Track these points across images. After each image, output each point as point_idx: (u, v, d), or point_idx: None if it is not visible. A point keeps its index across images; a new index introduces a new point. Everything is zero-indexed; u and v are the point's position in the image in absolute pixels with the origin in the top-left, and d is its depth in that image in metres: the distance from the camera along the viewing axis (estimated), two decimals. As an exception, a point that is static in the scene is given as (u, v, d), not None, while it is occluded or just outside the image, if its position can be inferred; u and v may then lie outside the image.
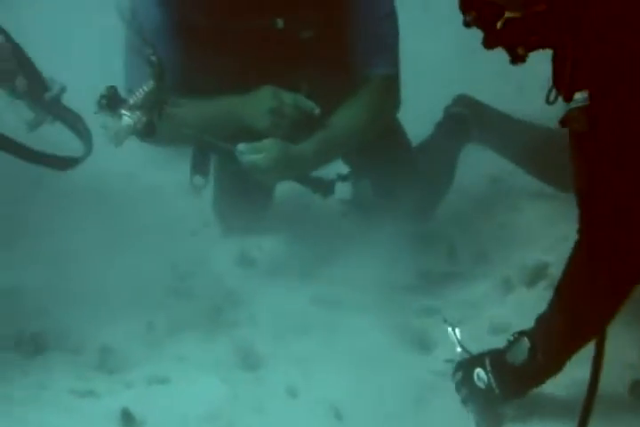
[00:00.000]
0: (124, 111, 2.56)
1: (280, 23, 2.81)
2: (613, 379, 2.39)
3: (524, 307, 2.77)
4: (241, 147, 2.81)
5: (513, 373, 2.39)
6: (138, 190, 3.49)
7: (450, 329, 2.57)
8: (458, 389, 2.49)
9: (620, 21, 1.99)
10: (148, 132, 2.61)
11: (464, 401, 2.48)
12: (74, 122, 2.88)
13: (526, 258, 3.03)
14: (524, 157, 3.37)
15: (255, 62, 2.88)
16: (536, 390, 2.41)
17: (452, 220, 3.36)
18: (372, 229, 3.12)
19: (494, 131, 3.47)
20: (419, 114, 3.37)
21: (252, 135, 2.87)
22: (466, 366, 2.48)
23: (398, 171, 3.18)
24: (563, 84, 2.07)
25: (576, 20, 2.00)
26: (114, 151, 3.46)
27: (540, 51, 2.11)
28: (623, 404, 2.44)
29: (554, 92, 2.14)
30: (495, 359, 2.43)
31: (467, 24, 2.07)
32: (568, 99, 2.07)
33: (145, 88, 2.58)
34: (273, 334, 2.83)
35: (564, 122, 2.08)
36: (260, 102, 2.87)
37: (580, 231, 2.20)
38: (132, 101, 2.57)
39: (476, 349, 2.52)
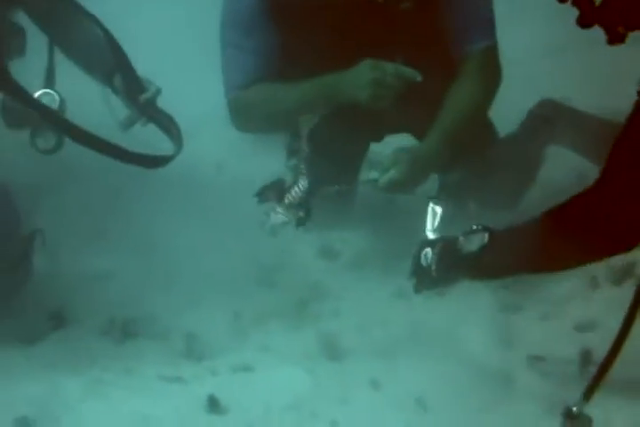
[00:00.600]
0: (279, 209, 2.64)
1: None
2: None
3: (611, 305, 2.75)
4: (372, 176, 2.85)
5: (454, 258, 2.46)
6: (226, 181, 3.55)
7: (431, 205, 2.65)
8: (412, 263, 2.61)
9: None
10: (300, 224, 2.69)
11: (410, 275, 2.62)
12: (167, 124, 2.94)
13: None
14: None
15: (353, 36, 2.88)
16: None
17: (536, 214, 3.33)
18: (456, 221, 3.11)
19: (580, 133, 3.45)
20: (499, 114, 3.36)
21: (354, 111, 2.85)
22: (422, 243, 2.59)
23: (486, 160, 3.17)
24: None
25: None
26: (203, 142, 3.60)
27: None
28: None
29: None
30: (446, 244, 2.51)
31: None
32: None
33: (300, 187, 2.64)
34: (357, 325, 2.85)
35: None
36: (361, 74, 2.84)
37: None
38: (287, 201, 2.64)
39: (562, 346, 2.50)
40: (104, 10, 3.17)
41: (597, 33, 2.09)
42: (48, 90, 2.88)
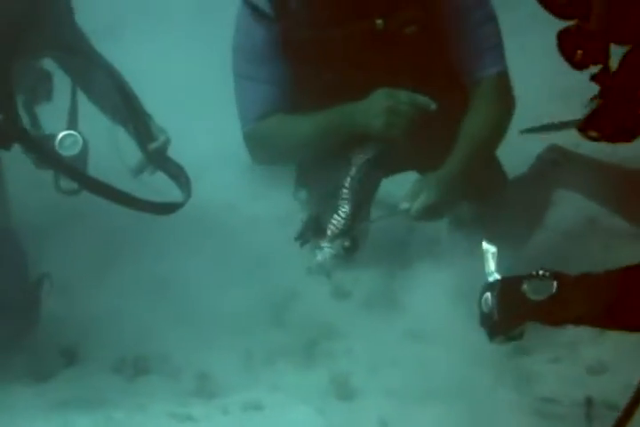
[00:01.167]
0: (324, 244, 2.65)
1: (380, 24, 2.86)
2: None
3: (621, 348, 2.75)
4: (403, 206, 2.88)
5: (518, 303, 2.32)
6: (238, 221, 3.57)
7: (485, 245, 2.51)
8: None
9: None
10: (349, 254, 2.70)
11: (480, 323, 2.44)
12: (176, 173, 2.99)
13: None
14: (618, 201, 3.37)
15: (361, 66, 2.94)
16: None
17: (545, 258, 3.34)
18: (466, 259, 3.12)
19: (587, 177, 3.48)
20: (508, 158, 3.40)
21: (367, 141, 2.90)
22: (482, 288, 2.44)
23: (493, 196, 3.20)
24: None
25: None
26: (215, 183, 3.64)
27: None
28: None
29: None
30: (508, 285, 2.37)
31: (577, 66, 2.08)
32: None
33: (341, 215, 2.66)
34: (367, 365, 2.85)
35: None
36: (375, 103, 2.89)
37: None
38: (330, 233, 2.66)
39: (575, 389, 2.50)
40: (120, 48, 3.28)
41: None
42: (71, 131, 2.95)
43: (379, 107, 2.87)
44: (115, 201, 2.78)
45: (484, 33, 3.00)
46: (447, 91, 2.97)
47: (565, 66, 2.16)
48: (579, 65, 2.15)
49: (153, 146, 2.99)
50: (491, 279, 2.43)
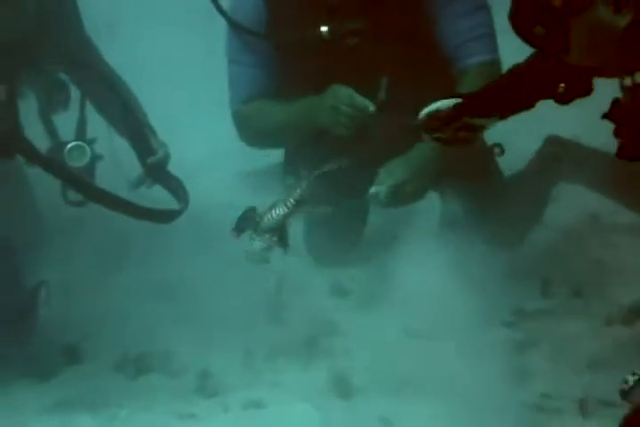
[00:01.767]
0: (254, 235, 2.68)
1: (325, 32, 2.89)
2: None
3: (623, 345, 2.77)
4: (372, 191, 2.90)
5: None
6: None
7: None
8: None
9: None
10: (282, 246, 2.72)
11: None
12: (174, 186, 3.02)
13: (623, 296, 3.02)
14: (620, 192, 3.36)
15: (341, 59, 2.95)
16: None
17: (546, 255, 3.36)
18: (464, 260, 3.14)
19: (588, 168, 3.47)
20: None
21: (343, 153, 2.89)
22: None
23: (487, 193, 3.20)
24: None
25: None
26: (212, 183, 3.65)
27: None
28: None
29: None
30: None
31: (561, 100, 2.13)
32: None
33: (274, 214, 2.68)
34: (367, 363, 2.87)
35: None
36: (323, 100, 2.94)
37: None
38: (260, 227, 2.68)
39: (573, 385, 2.51)
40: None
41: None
42: (79, 142, 2.98)
43: (325, 104, 2.91)
44: (120, 212, 2.82)
45: (472, 22, 2.98)
46: (434, 81, 2.96)
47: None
48: (562, 99, 2.16)
49: (152, 160, 3.02)
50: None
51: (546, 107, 3.33)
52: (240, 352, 2.94)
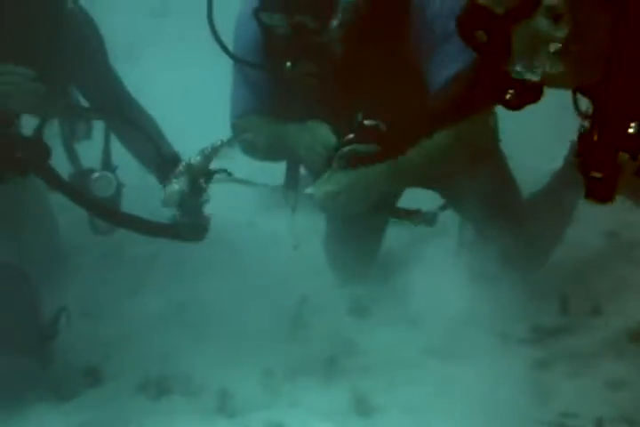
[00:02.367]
0: (173, 179, 2.76)
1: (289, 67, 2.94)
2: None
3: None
4: (308, 191, 2.98)
5: None
6: (257, 239, 3.62)
7: None
8: None
9: None
10: (195, 195, 2.80)
11: None
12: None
13: (643, 313, 3.02)
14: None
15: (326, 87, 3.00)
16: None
17: (564, 272, 3.35)
18: (481, 277, 3.13)
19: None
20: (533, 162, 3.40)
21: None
22: None
23: (497, 206, 3.18)
24: None
25: None
26: (232, 201, 3.68)
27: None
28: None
29: None
30: None
31: (511, 106, 2.10)
32: None
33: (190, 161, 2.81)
34: (387, 382, 2.87)
35: None
36: (301, 137, 3.02)
37: None
38: (177, 171, 2.80)
39: (594, 404, 2.50)
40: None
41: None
42: (105, 172, 3.03)
43: (302, 141, 3.01)
44: (148, 234, 2.86)
45: (447, 50, 2.98)
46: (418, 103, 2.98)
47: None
48: (511, 105, 2.16)
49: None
50: None
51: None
52: (260, 372, 2.95)
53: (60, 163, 3.00)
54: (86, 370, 2.97)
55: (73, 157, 3.07)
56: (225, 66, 3.27)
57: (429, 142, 2.93)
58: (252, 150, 3.23)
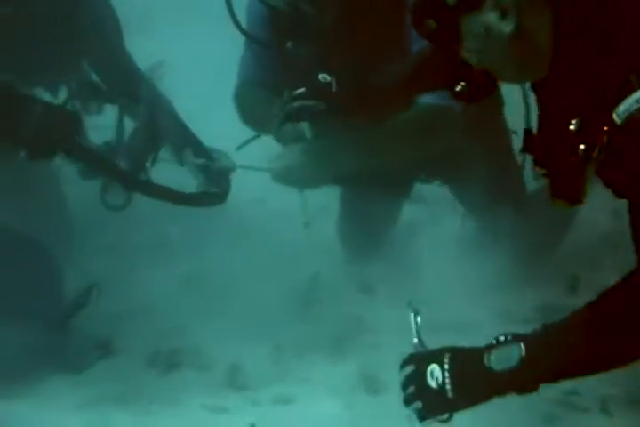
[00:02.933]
0: None
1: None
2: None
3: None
4: (269, 164, 2.99)
5: (481, 375, 2.08)
6: (267, 216, 3.63)
7: (412, 315, 2.30)
8: (404, 385, 2.18)
9: None
10: None
11: (407, 401, 2.17)
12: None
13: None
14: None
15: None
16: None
17: (573, 253, 3.37)
18: (490, 256, 3.15)
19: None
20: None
21: None
22: (420, 359, 2.20)
23: (498, 191, 3.19)
24: None
25: None
26: (244, 178, 3.69)
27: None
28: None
29: None
30: (459, 358, 2.14)
31: (466, 99, 2.13)
32: None
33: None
34: (396, 360, 2.89)
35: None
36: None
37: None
38: None
39: (596, 382, 2.54)
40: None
41: None
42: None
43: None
44: (167, 200, 2.88)
45: None
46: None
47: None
48: (462, 97, 2.17)
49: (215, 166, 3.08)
50: (419, 348, 2.24)
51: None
52: (270, 347, 2.98)
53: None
54: (97, 343, 3.00)
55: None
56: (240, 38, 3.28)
57: (390, 122, 2.94)
58: (244, 120, 3.26)
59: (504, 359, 2.06)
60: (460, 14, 1.97)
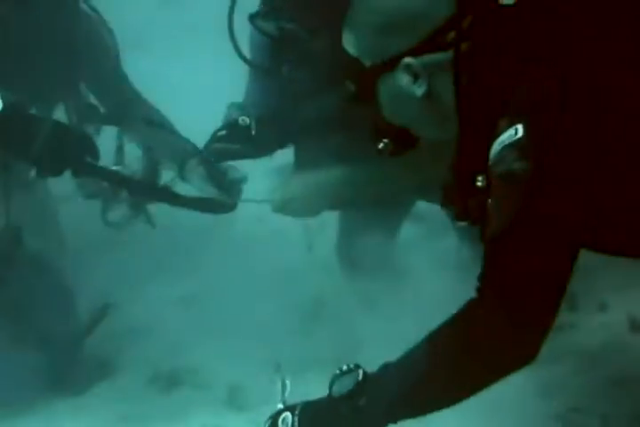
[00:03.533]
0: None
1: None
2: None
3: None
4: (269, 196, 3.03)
5: (327, 407, 2.19)
6: (266, 234, 3.64)
7: (281, 381, 2.39)
8: None
9: None
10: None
11: None
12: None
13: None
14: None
15: None
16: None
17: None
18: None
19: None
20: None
21: None
22: (277, 413, 2.31)
23: None
24: None
25: None
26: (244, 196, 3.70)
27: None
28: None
29: None
30: (310, 403, 2.26)
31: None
32: None
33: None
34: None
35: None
36: None
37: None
38: None
39: (599, 399, 2.53)
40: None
41: None
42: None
43: None
44: (175, 204, 2.87)
45: None
46: None
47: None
48: (385, 153, 2.22)
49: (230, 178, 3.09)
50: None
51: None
52: (270, 366, 2.98)
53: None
54: (98, 363, 3.01)
55: None
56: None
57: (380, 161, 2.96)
58: None
59: (343, 386, 2.19)
60: (376, 76, 2.05)
